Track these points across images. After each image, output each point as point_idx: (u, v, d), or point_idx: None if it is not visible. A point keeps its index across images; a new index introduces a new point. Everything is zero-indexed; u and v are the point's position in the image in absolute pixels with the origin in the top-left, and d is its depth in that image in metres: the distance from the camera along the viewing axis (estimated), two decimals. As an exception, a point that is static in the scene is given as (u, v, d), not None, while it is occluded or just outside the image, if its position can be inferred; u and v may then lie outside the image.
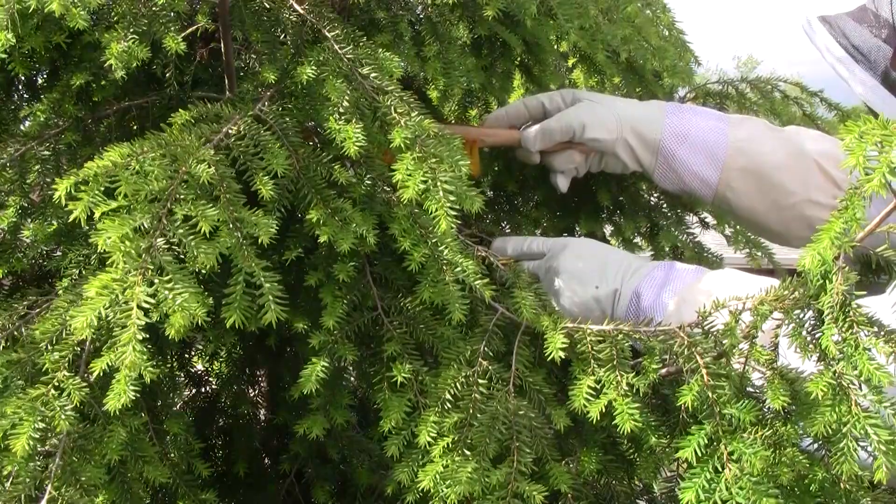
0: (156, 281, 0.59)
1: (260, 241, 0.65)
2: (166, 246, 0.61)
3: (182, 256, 0.62)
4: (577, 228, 1.26)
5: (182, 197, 0.63)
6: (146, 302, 0.59)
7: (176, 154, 0.65)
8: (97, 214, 0.62)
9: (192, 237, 0.62)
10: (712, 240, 1.32)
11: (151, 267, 0.60)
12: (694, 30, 1.34)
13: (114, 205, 0.61)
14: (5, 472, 0.66)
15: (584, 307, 0.91)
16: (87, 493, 0.67)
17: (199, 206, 0.63)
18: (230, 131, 0.73)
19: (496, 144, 1.12)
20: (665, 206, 1.26)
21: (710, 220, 1.33)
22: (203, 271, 0.63)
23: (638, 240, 1.26)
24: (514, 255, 0.99)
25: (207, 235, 0.63)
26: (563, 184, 1.10)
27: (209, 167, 0.65)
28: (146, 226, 0.61)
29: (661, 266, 0.90)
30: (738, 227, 1.29)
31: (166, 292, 0.59)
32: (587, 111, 1.03)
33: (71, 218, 0.61)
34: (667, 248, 1.23)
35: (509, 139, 1.09)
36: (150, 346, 0.60)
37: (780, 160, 0.99)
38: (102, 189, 0.62)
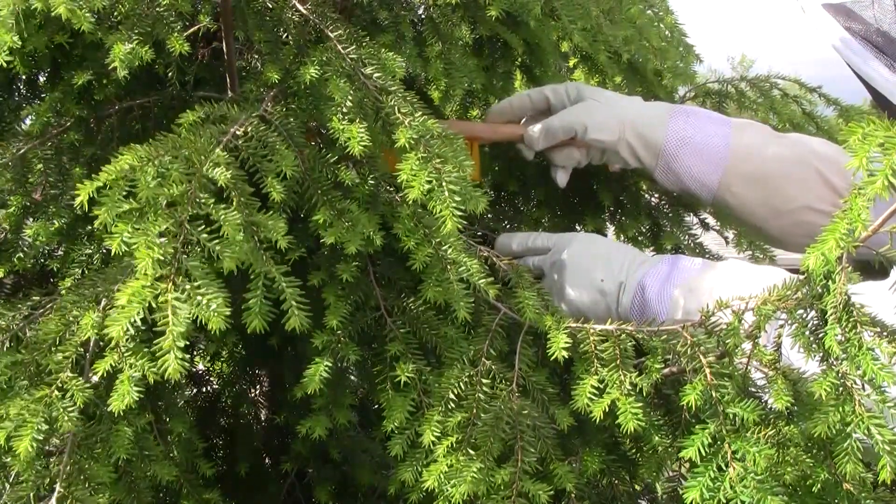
0: (187, 287, 0.59)
1: (277, 244, 0.66)
2: (190, 250, 0.61)
3: (197, 259, 0.62)
4: (581, 227, 1.26)
5: (203, 201, 0.63)
6: (181, 309, 0.59)
7: (191, 157, 0.65)
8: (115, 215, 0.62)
9: (216, 241, 0.62)
10: (713, 241, 1.32)
11: (178, 273, 0.60)
12: (688, 31, 1.34)
13: (126, 207, 0.61)
14: (12, 473, 0.67)
15: (589, 300, 0.91)
16: (96, 492, 0.67)
17: (220, 210, 0.63)
18: (238, 132, 0.73)
19: (498, 141, 1.12)
20: (666, 206, 1.26)
21: (710, 221, 1.33)
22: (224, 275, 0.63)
23: (641, 238, 1.26)
24: (520, 251, 1.00)
25: (228, 239, 0.63)
26: (562, 178, 1.10)
27: (226, 170, 0.65)
28: (171, 230, 0.61)
29: (666, 260, 0.90)
30: (740, 229, 1.29)
31: (199, 297, 0.59)
32: (590, 112, 1.02)
33: (96, 223, 0.61)
34: (669, 249, 1.23)
35: (511, 136, 1.09)
36: (151, 345, 0.60)
37: (782, 167, 1.00)
38: (124, 194, 0.62)
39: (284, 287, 0.65)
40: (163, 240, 0.60)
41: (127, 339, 0.63)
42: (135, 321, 0.59)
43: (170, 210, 0.62)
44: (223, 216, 0.62)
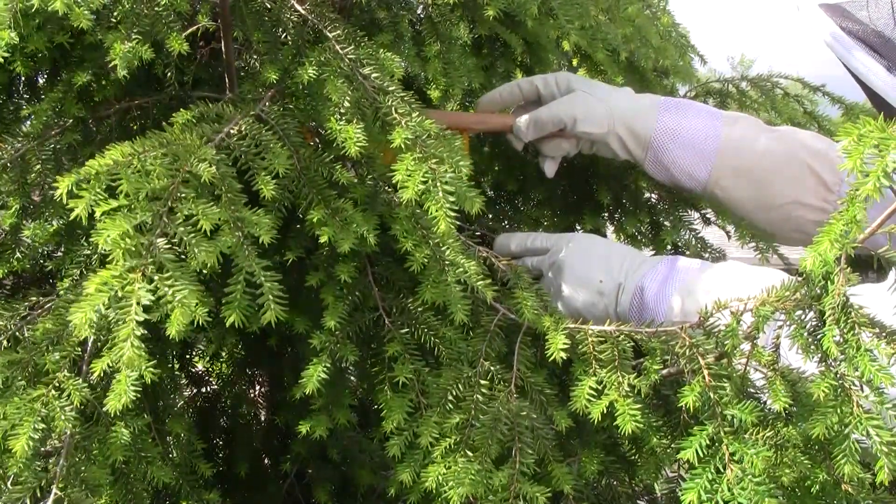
0: (155, 278, 0.59)
1: (261, 240, 0.65)
2: (167, 244, 0.61)
3: (183, 255, 0.62)
4: (580, 227, 1.26)
5: (183, 195, 0.63)
6: (146, 299, 0.58)
7: (177, 153, 0.65)
8: (98, 214, 0.62)
9: (192, 235, 0.62)
10: (714, 236, 1.32)
11: (151, 264, 0.59)
12: (687, 31, 1.34)
13: (115, 204, 0.61)
14: (9, 473, 0.67)
15: (588, 302, 0.91)
16: (92, 493, 0.67)
17: (200, 205, 0.63)
18: (231, 131, 0.73)
19: (487, 131, 1.12)
20: (666, 204, 1.26)
21: (711, 216, 1.32)
22: (204, 271, 0.62)
23: (640, 237, 1.26)
24: (518, 252, 0.99)
25: (208, 234, 0.63)
26: (550, 169, 1.10)
27: (210, 166, 0.65)
28: (147, 224, 0.61)
29: (665, 261, 0.90)
30: (738, 222, 1.28)
31: (166, 289, 0.59)
32: (580, 104, 1.02)
33: (72, 216, 0.61)
34: (669, 246, 1.23)
35: (500, 126, 1.09)
36: (150, 346, 0.60)
37: (772, 161, 0.99)
38: (104, 188, 0.62)
39: (263, 280, 0.64)
40: (141, 225, 0.60)
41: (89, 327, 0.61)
42: (100, 311, 0.58)
43: (150, 203, 0.62)
44: (200, 210, 0.62)
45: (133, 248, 0.59)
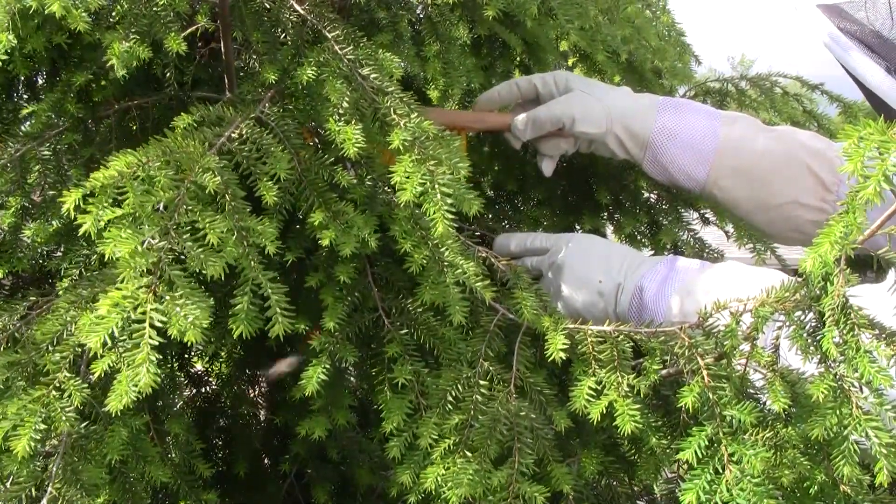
0: (166, 297, 0.59)
1: (266, 250, 0.65)
2: (174, 258, 0.61)
3: (184, 256, 0.62)
4: (579, 227, 1.26)
5: (189, 208, 0.63)
6: (159, 321, 0.58)
7: (181, 161, 0.65)
8: (102, 222, 0.62)
9: (200, 249, 0.62)
10: (713, 236, 1.32)
11: (161, 282, 0.59)
12: (688, 31, 1.34)
13: (119, 212, 0.61)
14: (6, 473, 0.67)
15: (587, 302, 0.91)
16: (89, 493, 0.67)
17: (206, 217, 0.63)
18: (232, 135, 0.73)
19: (485, 130, 1.12)
20: (665, 203, 1.26)
21: (710, 216, 1.32)
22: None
23: (639, 237, 1.26)
24: (518, 252, 0.99)
25: (215, 246, 0.63)
26: (548, 167, 1.10)
27: (215, 176, 0.65)
28: (155, 239, 0.61)
29: (665, 261, 0.90)
30: (738, 221, 1.28)
31: (177, 309, 0.59)
32: (578, 104, 1.02)
33: (80, 231, 0.61)
34: (668, 246, 1.23)
35: (499, 125, 1.09)
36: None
37: (771, 161, 0.99)
38: (110, 202, 0.62)
39: (270, 293, 0.65)
40: (149, 242, 0.60)
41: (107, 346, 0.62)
42: (112, 332, 0.58)
43: (158, 216, 0.62)
44: (208, 224, 0.62)
45: (143, 267, 0.59)
